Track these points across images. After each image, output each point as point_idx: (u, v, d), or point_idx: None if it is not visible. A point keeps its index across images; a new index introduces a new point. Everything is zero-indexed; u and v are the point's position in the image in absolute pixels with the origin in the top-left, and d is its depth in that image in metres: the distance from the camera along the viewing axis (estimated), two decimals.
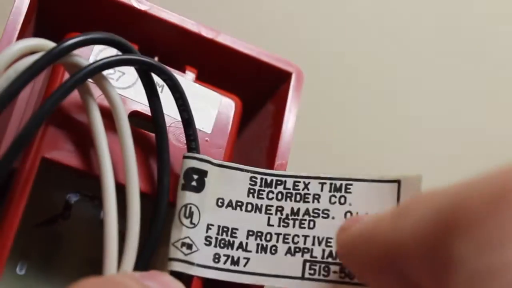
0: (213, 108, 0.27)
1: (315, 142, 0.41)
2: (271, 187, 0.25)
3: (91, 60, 0.24)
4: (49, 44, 0.23)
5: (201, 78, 0.28)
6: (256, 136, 0.29)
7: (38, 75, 0.22)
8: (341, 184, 0.25)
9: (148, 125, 0.26)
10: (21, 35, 0.25)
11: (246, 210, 0.25)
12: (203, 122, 0.27)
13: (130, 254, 0.23)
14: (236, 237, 0.25)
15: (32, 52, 0.23)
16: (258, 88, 0.29)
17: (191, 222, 0.24)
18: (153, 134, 0.26)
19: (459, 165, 0.43)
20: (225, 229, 0.25)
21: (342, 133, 0.43)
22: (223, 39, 0.28)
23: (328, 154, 0.41)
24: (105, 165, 0.24)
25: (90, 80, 0.24)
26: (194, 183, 0.24)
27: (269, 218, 0.25)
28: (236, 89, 0.28)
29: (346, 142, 0.43)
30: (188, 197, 0.24)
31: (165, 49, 0.28)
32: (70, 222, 0.27)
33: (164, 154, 0.25)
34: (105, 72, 0.25)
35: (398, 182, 0.24)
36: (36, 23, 0.28)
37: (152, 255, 0.24)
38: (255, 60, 0.29)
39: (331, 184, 0.25)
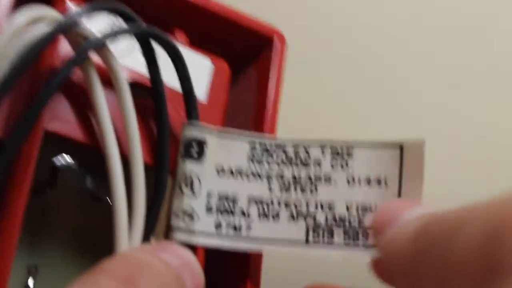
0: (205, 75, 0.27)
1: (303, 109, 0.41)
2: (270, 153, 0.25)
3: (85, 23, 0.24)
4: (52, 13, 0.22)
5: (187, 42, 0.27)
6: (240, 103, 0.29)
7: (46, 47, 0.22)
8: (342, 148, 0.25)
9: (146, 93, 0.25)
10: None
11: (247, 177, 0.25)
12: (197, 90, 0.26)
13: (138, 226, 0.23)
14: (237, 204, 0.25)
15: (35, 21, 0.22)
16: (241, 53, 0.29)
17: (192, 191, 0.24)
18: (152, 103, 0.25)
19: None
20: (226, 196, 0.25)
21: (333, 96, 0.43)
22: (208, 3, 0.28)
23: (318, 119, 0.42)
24: (109, 138, 0.23)
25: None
26: (194, 152, 0.24)
27: (269, 184, 0.25)
28: (220, 53, 0.28)
29: (338, 106, 0.43)
30: (188, 166, 0.24)
31: (151, 11, 0.27)
32: (56, 191, 0.26)
33: (164, 124, 0.25)
34: None
35: (400, 147, 0.24)
36: None
37: (155, 226, 0.24)
38: (238, 24, 0.29)
39: (331, 147, 0.25)
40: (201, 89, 0.26)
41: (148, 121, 0.25)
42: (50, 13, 0.22)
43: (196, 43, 0.27)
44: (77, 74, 0.24)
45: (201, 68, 0.27)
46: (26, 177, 0.22)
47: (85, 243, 0.26)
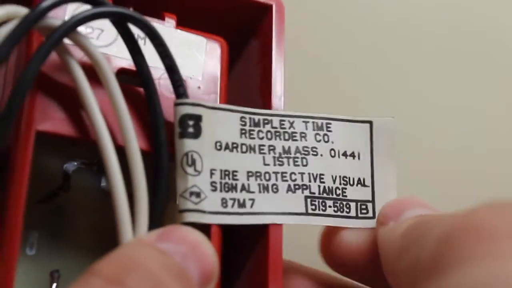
0: (199, 53, 0.26)
1: (309, 76, 0.40)
2: (259, 126, 0.25)
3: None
4: (21, 10, 0.22)
5: (181, 24, 0.27)
6: (245, 76, 0.28)
7: (18, 44, 0.21)
8: (322, 123, 0.26)
9: (137, 80, 0.25)
10: None
11: (242, 151, 0.25)
12: (193, 70, 0.26)
13: (142, 216, 0.22)
14: (238, 180, 0.24)
15: (3, 22, 0.22)
16: (239, 26, 0.28)
17: (195, 170, 0.23)
18: (140, 90, 0.25)
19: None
20: (226, 172, 0.24)
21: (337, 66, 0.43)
22: None
23: (322, 88, 0.41)
24: (101, 129, 0.23)
25: (69, 42, 0.23)
26: (191, 130, 0.24)
27: (264, 157, 0.25)
28: (218, 29, 0.27)
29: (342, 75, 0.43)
30: (187, 144, 0.23)
31: None
32: (71, 194, 0.26)
33: (156, 108, 0.24)
34: (83, 32, 0.23)
35: (370, 123, 0.26)
36: None
37: (162, 213, 0.23)
38: None
39: (313, 123, 0.26)
40: (196, 68, 0.26)
41: (140, 108, 0.24)
42: (21, 11, 0.22)
43: (190, 25, 0.27)
44: (62, 72, 0.23)
45: (195, 46, 0.26)
46: (22, 180, 0.22)
47: (105, 242, 0.25)
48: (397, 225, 0.23)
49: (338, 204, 0.25)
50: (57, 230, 0.25)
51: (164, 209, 0.23)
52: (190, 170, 0.23)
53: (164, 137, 0.23)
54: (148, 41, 0.24)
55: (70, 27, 0.22)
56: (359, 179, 0.26)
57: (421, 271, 0.19)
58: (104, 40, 0.25)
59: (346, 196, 0.25)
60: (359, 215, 0.25)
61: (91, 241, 0.26)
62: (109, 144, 0.22)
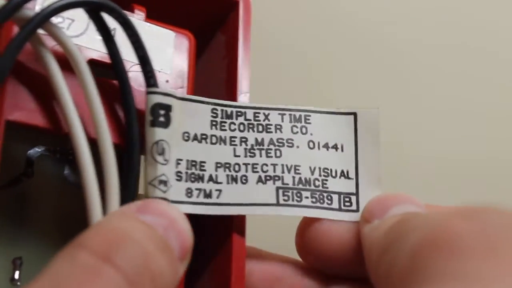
0: (168, 47, 0.26)
1: (275, 72, 0.41)
2: (232, 119, 0.25)
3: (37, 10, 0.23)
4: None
5: (149, 16, 0.27)
6: (211, 69, 0.29)
7: None
8: (300, 115, 0.26)
9: (105, 72, 0.25)
10: None
11: (211, 143, 0.25)
12: (161, 63, 0.26)
13: (113, 208, 0.23)
14: (205, 170, 0.25)
15: None
16: (206, 20, 0.29)
17: (164, 159, 0.24)
18: (113, 81, 0.25)
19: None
20: (193, 163, 0.24)
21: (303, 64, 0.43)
22: None
23: (289, 85, 0.41)
24: (74, 121, 0.23)
25: (42, 32, 0.23)
26: (161, 119, 0.24)
27: (234, 149, 0.25)
28: (185, 22, 0.27)
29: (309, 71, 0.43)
30: (158, 133, 0.24)
31: None
32: (33, 180, 0.26)
33: (129, 101, 0.24)
34: (54, 22, 0.23)
35: (354, 114, 0.26)
36: None
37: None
38: None
39: (290, 115, 0.26)
40: (165, 61, 0.26)
41: (111, 100, 0.24)
42: None
43: (158, 17, 0.27)
44: (33, 60, 0.23)
45: (164, 40, 0.26)
46: None
47: (68, 229, 0.25)
48: (381, 223, 0.22)
49: (317, 195, 0.25)
50: (20, 217, 0.25)
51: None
52: (160, 158, 0.24)
53: (137, 131, 0.24)
54: (117, 33, 0.24)
55: (46, 16, 0.22)
56: (342, 171, 0.25)
57: (396, 280, 0.19)
58: (74, 31, 0.24)
59: (327, 187, 0.25)
60: (342, 207, 0.25)
61: (54, 229, 0.26)
62: (82, 138, 0.23)
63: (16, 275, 0.25)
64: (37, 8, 0.24)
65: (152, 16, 0.27)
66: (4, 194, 0.25)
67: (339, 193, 0.25)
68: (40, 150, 0.26)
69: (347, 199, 0.25)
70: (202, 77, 0.27)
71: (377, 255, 0.21)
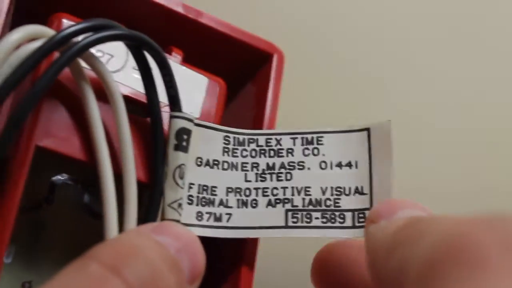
0: (200, 92, 0.27)
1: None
2: (244, 145, 0.26)
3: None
4: (48, 31, 0.22)
5: (186, 61, 0.27)
6: (238, 118, 0.29)
7: (40, 62, 0.22)
8: (312, 138, 0.26)
9: (135, 109, 0.25)
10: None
11: (223, 168, 0.25)
12: (191, 106, 0.26)
13: None
14: (216, 195, 0.25)
15: (31, 39, 0.22)
16: (239, 69, 0.29)
17: (183, 183, 0.24)
18: (143, 119, 0.25)
19: None
20: (205, 187, 0.25)
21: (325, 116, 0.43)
22: (206, 19, 0.28)
23: None
24: (103, 156, 0.23)
25: (85, 66, 0.23)
26: (184, 143, 0.24)
27: (245, 174, 0.26)
28: (218, 69, 0.28)
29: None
30: (181, 157, 0.24)
31: (148, 30, 0.27)
32: (53, 207, 0.26)
33: (159, 143, 0.24)
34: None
35: (367, 130, 0.25)
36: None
37: None
38: (237, 40, 0.29)
39: (302, 138, 0.26)
40: (195, 105, 0.27)
41: (140, 138, 0.25)
42: (46, 32, 0.22)
43: (193, 61, 0.27)
44: (71, 89, 0.24)
45: (196, 84, 0.27)
46: (16, 193, 0.22)
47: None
48: (389, 224, 0.21)
49: (328, 215, 0.25)
50: (35, 242, 0.26)
51: None
52: (180, 182, 0.24)
53: (162, 173, 0.24)
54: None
55: (88, 44, 0.23)
56: (356, 188, 0.25)
57: (408, 282, 0.18)
58: (112, 66, 0.25)
59: (339, 206, 0.25)
60: (357, 224, 0.25)
61: (66, 257, 0.26)
62: (108, 172, 0.23)
63: None
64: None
65: (188, 61, 0.27)
66: (23, 218, 0.25)
67: (353, 210, 0.25)
68: (63, 178, 0.26)
69: (361, 215, 0.25)
70: (228, 124, 0.28)
71: (384, 253, 0.20)
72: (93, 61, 0.23)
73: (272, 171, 0.25)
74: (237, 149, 0.26)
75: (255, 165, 0.26)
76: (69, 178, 0.26)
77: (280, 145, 0.26)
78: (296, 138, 0.26)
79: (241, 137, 0.26)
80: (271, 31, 0.30)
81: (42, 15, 0.25)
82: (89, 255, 0.19)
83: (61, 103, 0.24)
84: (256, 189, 0.25)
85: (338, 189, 0.25)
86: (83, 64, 0.23)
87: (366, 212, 0.25)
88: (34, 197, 0.26)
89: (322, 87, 0.45)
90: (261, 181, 0.25)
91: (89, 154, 0.24)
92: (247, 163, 0.26)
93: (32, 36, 0.22)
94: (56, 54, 0.23)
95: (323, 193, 0.25)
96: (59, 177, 0.26)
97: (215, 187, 0.25)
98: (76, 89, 0.24)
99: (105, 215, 0.23)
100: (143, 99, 0.25)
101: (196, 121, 0.25)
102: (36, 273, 0.25)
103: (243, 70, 0.29)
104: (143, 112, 0.26)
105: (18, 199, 0.22)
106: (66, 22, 0.25)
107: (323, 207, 0.25)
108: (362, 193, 0.25)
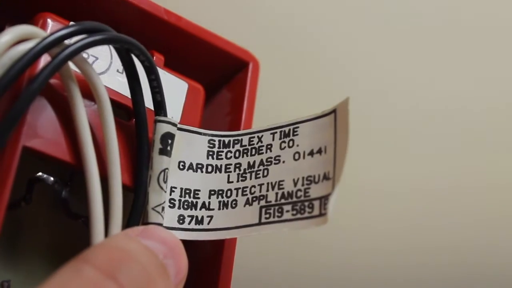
0: (181, 97, 0.27)
1: None
2: (229, 147, 0.26)
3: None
4: (40, 32, 0.23)
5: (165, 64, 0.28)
6: (212, 122, 0.30)
7: (33, 63, 0.22)
8: (289, 130, 0.26)
9: (120, 112, 0.26)
10: None
11: (207, 172, 0.26)
12: (172, 111, 0.27)
13: None
14: (199, 198, 0.25)
15: (23, 40, 0.22)
16: (216, 75, 0.30)
17: (166, 186, 0.25)
18: (127, 122, 0.26)
19: None
20: (187, 191, 0.25)
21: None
22: (186, 24, 0.29)
23: None
24: (90, 159, 0.23)
25: (73, 68, 0.24)
26: (168, 148, 0.25)
27: (228, 176, 0.26)
28: (195, 74, 0.29)
29: None
30: (166, 161, 0.25)
31: (130, 33, 0.27)
32: (31, 206, 0.26)
33: (144, 147, 0.25)
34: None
35: (334, 111, 0.25)
36: None
37: None
38: (215, 47, 0.29)
39: (280, 132, 0.26)
40: (176, 110, 0.27)
41: (125, 141, 0.25)
42: (38, 32, 0.23)
43: (172, 66, 0.28)
44: (58, 90, 0.24)
45: (177, 89, 0.27)
46: (3, 194, 0.22)
47: (59, 259, 0.26)
48: None
49: (298, 207, 0.24)
50: (14, 241, 0.26)
51: None
52: (164, 186, 0.25)
53: (146, 177, 0.25)
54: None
55: (83, 47, 0.23)
56: (324, 174, 0.24)
57: None
58: (97, 68, 0.25)
59: (309, 196, 0.24)
60: (322, 212, 0.23)
61: (45, 256, 0.26)
62: (95, 176, 0.23)
63: None
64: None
65: (166, 64, 0.28)
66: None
67: (320, 198, 0.24)
68: (41, 177, 0.26)
69: (325, 202, 0.23)
70: (205, 127, 0.28)
71: None
72: (82, 64, 0.24)
73: (252, 170, 0.26)
74: (222, 151, 0.26)
75: (238, 166, 0.26)
76: (47, 178, 0.26)
77: (261, 142, 0.26)
78: (276, 132, 0.26)
79: (226, 139, 0.26)
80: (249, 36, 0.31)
81: (25, 15, 0.25)
82: (83, 258, 0.19)
83: (49, 104, 0.24)
84: (237, 189, 0.25)
85: (309, 178, 0.24)
86: (71, 65, 0.24)
87: (330, 197, 0.23)
88: (12, 196, 0.26)
89: (297, 90, 0.45)
90: (242, 181, 0.26)
91: (75, 156, 0.24)
92: (230, 164, 0.26)
93: (23, 36, 0.22)
94: (46, 56, 0.23)
95: (295, 184, 0.25)
96: (37, 176, 0.26)
97: (198, 190, 0.25)
98: (63, 90, 0.24)
99: (91, 218, 0.23)
100: (127, 102, 0.25)
101: (179, 126, 0.26)
102: (14, 272, 0.25)
103: (218, 76, 0.30)
104: (125, 115, 0.26)
105: (6, 199, 0.22)
106: (50, 21, 0.25)
107: (294, 199, 0.24)
108: (328, 178, 0.24)
